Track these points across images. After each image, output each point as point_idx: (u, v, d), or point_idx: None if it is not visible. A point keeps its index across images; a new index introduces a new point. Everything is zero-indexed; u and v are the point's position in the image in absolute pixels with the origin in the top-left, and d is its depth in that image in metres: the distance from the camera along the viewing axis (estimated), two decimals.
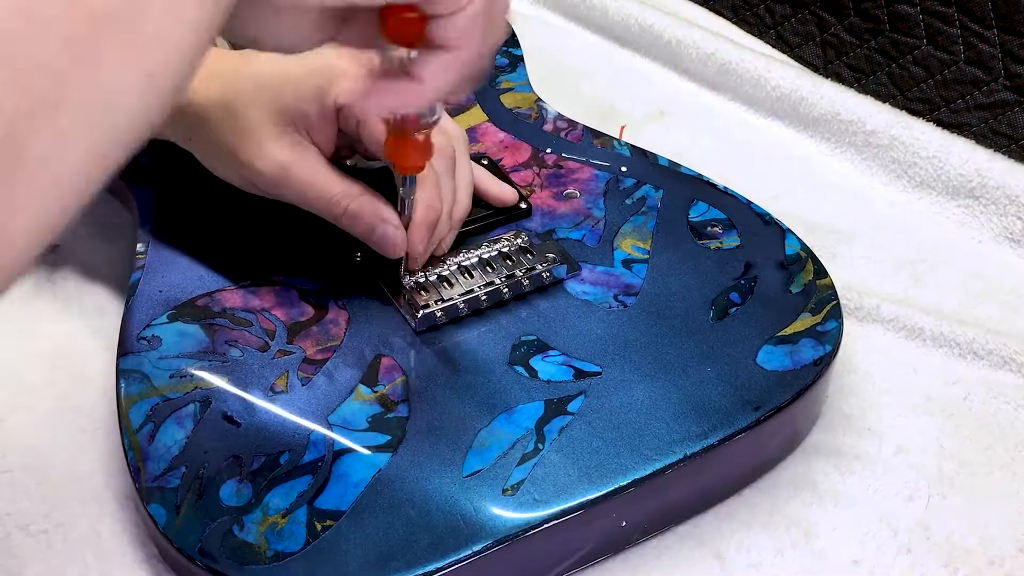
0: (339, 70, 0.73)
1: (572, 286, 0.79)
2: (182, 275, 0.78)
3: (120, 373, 0.72)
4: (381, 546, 0.64)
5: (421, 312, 0.75)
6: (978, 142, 0.99)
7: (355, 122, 0.74)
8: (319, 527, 0.64)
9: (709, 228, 0.83)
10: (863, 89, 1.08)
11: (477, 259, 0.78)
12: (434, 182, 0.75)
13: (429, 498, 0.66)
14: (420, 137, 0.66)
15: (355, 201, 0.73)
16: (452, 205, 0.77)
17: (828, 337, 0.76)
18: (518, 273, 0.78)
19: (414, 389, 0.72)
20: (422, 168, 0.69)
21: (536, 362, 0.73)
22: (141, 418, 0.69)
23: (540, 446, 0.69)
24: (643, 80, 1.11)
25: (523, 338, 0.75)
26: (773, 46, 1.15)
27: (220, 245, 0.80)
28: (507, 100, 0.94)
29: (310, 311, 0.76)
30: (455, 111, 0.92)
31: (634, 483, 0.68)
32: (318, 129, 0.74)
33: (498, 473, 0.67)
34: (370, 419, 0.70)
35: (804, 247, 0.82)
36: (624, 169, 0.88)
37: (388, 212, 0.74)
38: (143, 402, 0.70)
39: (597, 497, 0.67)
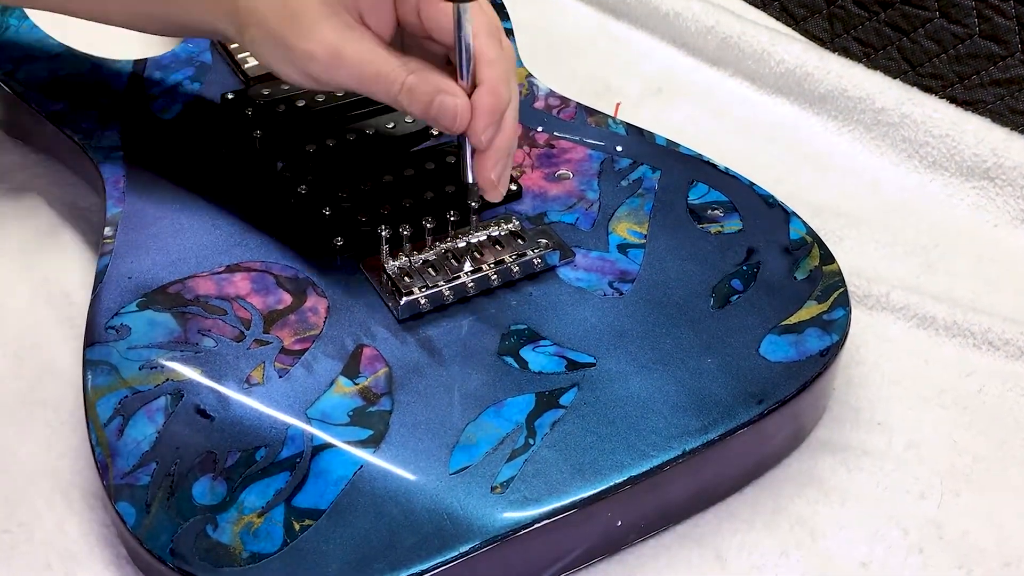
0: None
1: (565, 272, 0.78)
2: (153, 260, 0.78)
3: (87, 364, 0.72)
4: (363, 547, 0.64)
5: (404, 299, 0.74)
6: (994, 120, 0.99)
7: (415, 10, 0.73)
8: (297, 527, 0.64)
9: (709, 211, 0.83)
10: (872, 64, 1.08)
11: (464, 244, 0.78)
12: (503, 67, 0.73)
13: (413, 496, 0.66)
14: None
15: (413, 74, 0.72)
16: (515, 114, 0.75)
17: (835, 326, 0.76)
18: (508, 259, 0.77)
19: (398, 381, 0.71)
20: None
21: (527, 352, 0.73)
22: (109, 412, 0.69)
23: (531, 441, 0.69)
24: (639, 55, 1.11)
25: (513, 327, 0.75)
26: (777, 19, 1.15)
27: (193, 229, 0.80)
28: None
29: (288, 299, 0.76)
30: None
31: (630, 480, 0.68)
32: (370, 12, 0.73)
33: (486, 470, 0.67)
34: (351, 413, 0.70)
35: (810, 231, 0.82)
36: (619, 149, 0.88)
37: (447, 83, 0.72)
38: (111, 395, 0.70)
39: (591, 495, 0.67)
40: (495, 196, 0.75)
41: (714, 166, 0.87)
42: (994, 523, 0.74)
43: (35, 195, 0.91)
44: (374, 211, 0.81)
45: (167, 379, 0.71)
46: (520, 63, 0.96)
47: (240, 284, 0.77)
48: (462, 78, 0.72)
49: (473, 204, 0.78)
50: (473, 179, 0.75)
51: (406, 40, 0.76)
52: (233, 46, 0.93)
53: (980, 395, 0.81)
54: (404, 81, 0.72)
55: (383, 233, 0.76)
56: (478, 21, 0.72)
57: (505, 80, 0.73)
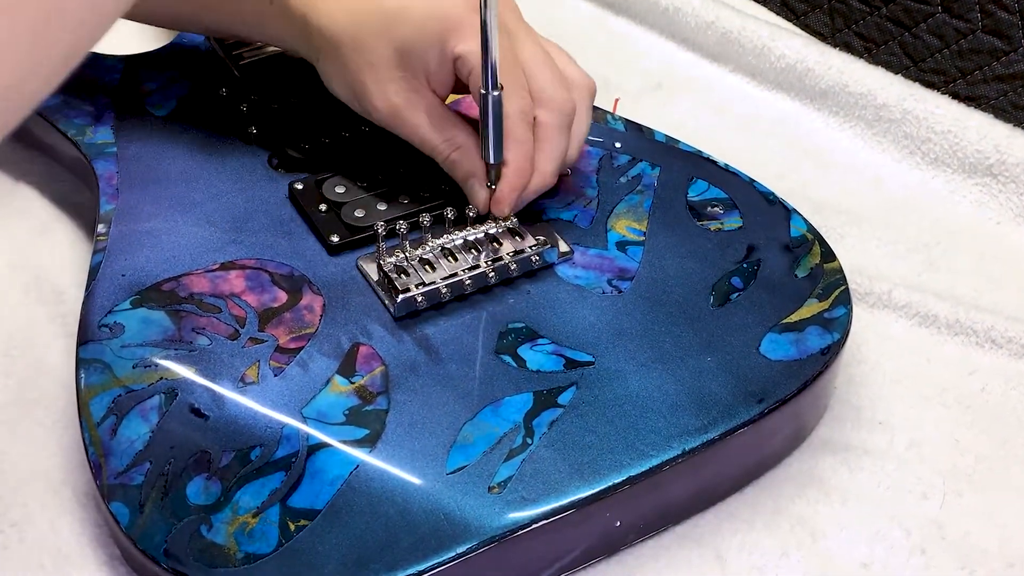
0: (457, 18, 0.77)
1: (563, 270, 0.78)
2: (146, 258, 0.78)
3: (80, 363, 0.71)
4: (359, 547, 0.64)
5: (400, 297, 0.74)
6: (996, 116, 0.98)
7: (467, 72, 0.78)
8: (293, 527, 0.64)
9: (709, 208, 0.83)
10: (873, 59, 1.08)
11: (462, 241, 0.78)
12: (527, 145, 0.79)
13: (410, 496, 0.66)
14: None
15: (455, 152, 0.79)
16: (558, 162, 0.80)
17: (836, 324, 0.76)
18: (505, 256, 0.77)
19: (394, 380, 0.71)
20: None
21: (524, 351, 0.73)
22: (103, 411, 0.69)
23: (529, 441, 0.69)
24: (639, 50, 1.11)
25: (511, 325, 0.75)
26: (777, 13, 1.14)
27: (187, 226, 0.80)
28: None
29: (283, 296, 0.76)
30: None
31: (629, 480, 0.67)
32: (436, 75, 0.78)
33: (484, 469, 0.67)
34: (347, 412, 0.70)
35: (810, 228, 0.82)
36: (618, 145, 0.88)
37: (480, 168, 0.79)
38: (105, 394, 0.70)
39: (590, 495, 0.67)
40: (504, 213, 0.79)
41: (714, 162, 0.87)
42: (997, 523, 0.74)
43: (27, 191, 0.91)
44: (370, 208, 0.81)
45: (161, 378, 0.71)
46: None
47: (235, 282, 0.76)
48: (491, 159, 0.77)
49: (492, 187, 0.79)
50: (495, 159, 0.78)
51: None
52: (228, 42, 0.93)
53: (983, 394, 0.81)
54: (448, 156, 0.79)
55: (379, 230, 0.76)
56: (512, 105, 0.77)
57: (528, 158, 0.79)
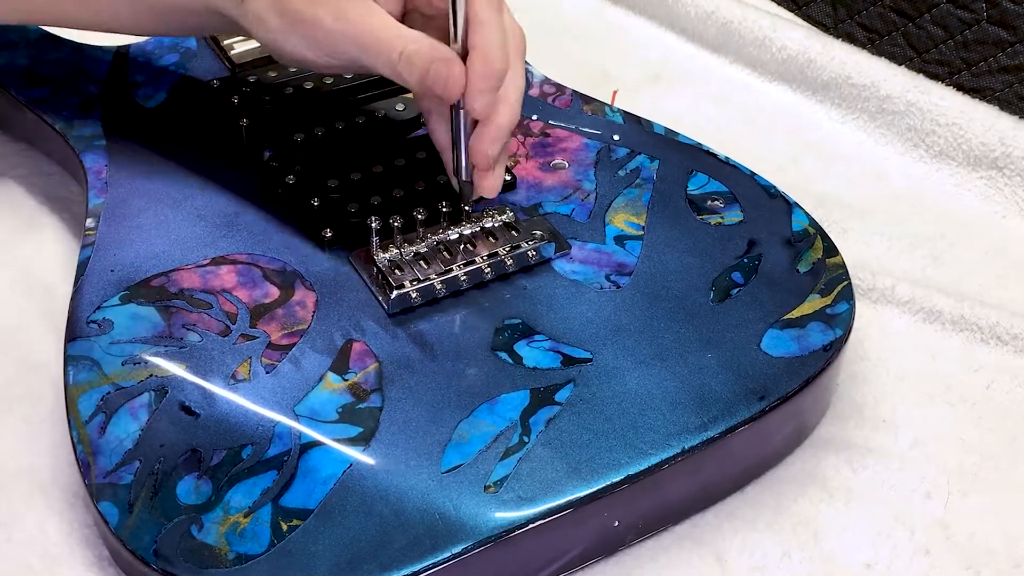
0: None
1: (560, 265, 0.78)
2: (136, 253, 0.78)
3: (68, 359, 0.71)
4: (352, 548, 0.63)
5: (395, 293, 0.74)
6: (1002, 108, 0.98)
7: None
8: (285, 527, 0.64)
9: (709, 202, 0.83)
10: (877, 50, 1.07)
11: (457, 236, 0.78)
12: (496, 31, 0.73)
13: (404, 496, 0.66)
14: None
15: (412, 44, 0.72)
16: (520, 92, 0.76)
17: (839, 320, 0.75)
18: (501, 251, 0.77)
19: (388, 377, 0.71)
20: None
21: (521, 348, 0.73)
22: (91, 408, 0.69)
23: (525, 439, 0.68)
24: (638, 41, 1.11)
25: (507, 321, 0.75)
26: (779, 4, 1.14)
27: (178, 220, 0.80)
28: None
29: (275, 292, 0.76)
30: None
31: (628, 479, 0.67)
32: None
33: (480, 468, 0.67)
34: (340, 410, 0.70)
35: (813, 222, 0.82)
36: (617, 138, 0.88)
37: (445, 50, 0.73)
38: (93, 391, 0.70)
39: (588, 495, 0.66)
40: (489, 184, 0.76)
41: (714, 155, 0.87)
42: (1002, 523, 0.74)
43: (15, 185, 0.91)
44: (364, 202, 0.80)
45: (151, 375, 0.71)
46: None
47: (226, 277, 0.76)
48: (454, 40, 0.73)
49: (467, 208, 0.78)
50: (468, 176, 0.75)
51: (415, 24, 0.76)
52: None
53: (988, 391, 0.81)
54: (403, 50, 0.72)
55: (373, 225, 0.76)
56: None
57: (498, 45, 0.73)
